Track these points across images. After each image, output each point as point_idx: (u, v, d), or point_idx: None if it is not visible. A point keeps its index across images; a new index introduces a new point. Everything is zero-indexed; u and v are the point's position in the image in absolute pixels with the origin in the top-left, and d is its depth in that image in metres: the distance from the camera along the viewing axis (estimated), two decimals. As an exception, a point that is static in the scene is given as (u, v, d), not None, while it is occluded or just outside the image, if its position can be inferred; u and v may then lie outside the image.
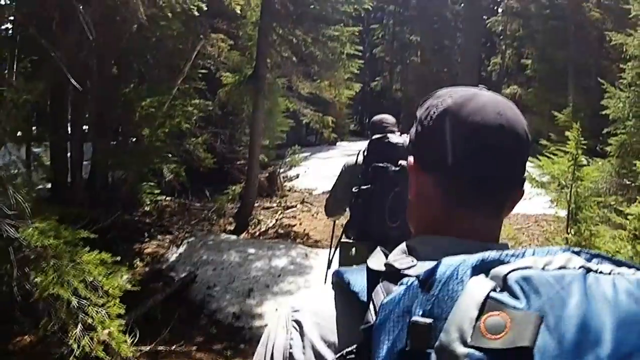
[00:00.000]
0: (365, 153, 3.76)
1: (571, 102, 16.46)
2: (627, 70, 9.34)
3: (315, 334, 0.89)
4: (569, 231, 6.60)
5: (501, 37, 26.32)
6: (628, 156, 8.40)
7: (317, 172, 14.51)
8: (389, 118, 4.04)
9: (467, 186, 0.95)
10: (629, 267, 0.72)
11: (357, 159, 3.87)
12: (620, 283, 0.68)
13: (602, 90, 9.55)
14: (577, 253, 0.73)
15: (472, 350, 0.62)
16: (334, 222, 4.65)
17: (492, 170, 0.94)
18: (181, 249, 8.20)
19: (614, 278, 0.68)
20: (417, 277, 0.74)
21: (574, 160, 6.50)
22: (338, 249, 3.96)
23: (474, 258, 0.72)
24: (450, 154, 0.93)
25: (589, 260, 0.72)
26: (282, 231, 9.67)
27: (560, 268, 0.69)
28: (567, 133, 6.78)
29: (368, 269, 0.84)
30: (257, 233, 9.52)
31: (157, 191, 8.42)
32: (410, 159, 1.03)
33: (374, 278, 0.82)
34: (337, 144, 18.94)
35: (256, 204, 11.07)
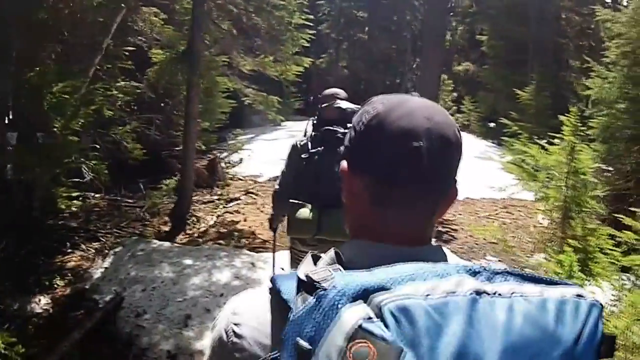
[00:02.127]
0: (315, 121, 3.72)
1: (534, 80, 15.75)
2: (612, 48, 8.55)
3: (252, 338, 0.93)
4: (565, 231, 5.72)
5: (451, 13, 25.38)
6: (615, 141, 7.57)
7: (262, 155, 13.14)
8: (340, 92, 3.93)
9: (395, 189, 0.97)
10: (538, 282, 0.78)
11: (305, 131, 3.78)
12: (518, 306, 0.73)
13: (564, 68, 8.78)
14: (475, 273, 0.77)
15: None
16: (275, 228, 4.30)
17: (419, 173, 0.95)
18: (107, 262, 6.81)
19: (511, 301, 0.73)
20: (317, 297, 0.75)
21: (571, 149, 5.55)
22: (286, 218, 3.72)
23: (357, 283, 0.73)
24: (378, 157, 0.98)
25: (489, 279, 0.77)
26: (224, 230, 8.30)
27: (448, 294, 0.72)
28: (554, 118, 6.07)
29: (297, 276, 0.83)
30: (196, 234, 8.19)
31: (76, 194, 6.95)
32: (343, 163, 1.04)
33: (298, 287, 0.82)
34: (283, 124, 17.70)
35: (195, 198, 9.69)
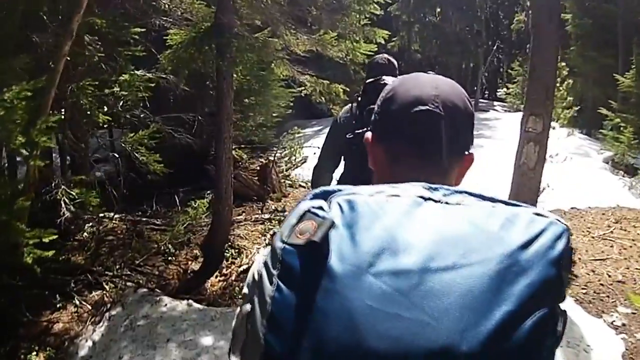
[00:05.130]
0: (359, 97, 3.45)
1: (634, 63, 12.92)
2: None
3: None
4: None
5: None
6: None
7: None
8: (384, 58, 3.68)
9: (408, 149, 1.06)
10: (495, 202, 0.79)
11: (351, 107, 3.51)
12: (461, 211, 0.77)
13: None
14: (433, 189, 0.81)
15: (285, 246, 0.76)
16: None
17: (429, 133, 1.03)
18: (99, 332, 4.62)
19: (458, 208, 0.78)
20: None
21: None
22: None
23: (322, 189, 0.84)
24: (393, 122, 1.08)
25: (447, 195, 0.80)
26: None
27: (393, 195, 0.80)
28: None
29: None
30: (235, 275, 5.92)
31: (52, 237, 4.56)
32: (368, 133, 1.15)
33: None
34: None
35: (239, 217, 7.41)
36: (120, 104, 5.60)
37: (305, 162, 11.00)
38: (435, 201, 0.78)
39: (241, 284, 5.66)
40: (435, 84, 1.07)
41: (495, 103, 26.30)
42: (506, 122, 15.98)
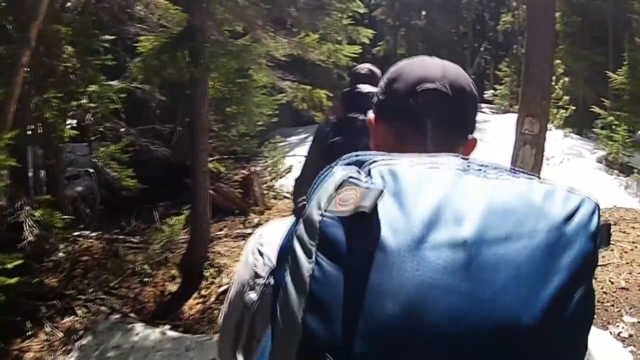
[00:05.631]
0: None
1: (626, 60, 12.77)
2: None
3: (273, 254, 0.95)
4: None
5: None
6: None
7: (318, 161, 10.29)
8: (365, 68, 3.55)
9: (413, 127, 1.02)
10: (529, 176, 0.75)
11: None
12: (503, 184, 0.72)
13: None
14: (468, 163, 0.76)
15: (325, 215, 0.69)
16: None
17: (435, 111, 1.01)
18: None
19: (498, 180, 0.73)
20: None
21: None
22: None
23: (352, 155, 0.79)
24: (398, 101, 1.05)
25: (480, 167, 0.75)
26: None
27: (432, 165, 0.75)
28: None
29: None
30: (214, 295, 5.54)
31: (16, 262, 4.10)
32: (370, 114, 1.12)
33: None
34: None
35: (220, 232, 7.04)
36: (89, 116, 5.18)
37: (290, 171, 10.63)
38: (475, 174, 0.74)
39: (220, 307, 5.30)
40: (441, 65, 1.06)
41: (483, 105, 26.14)
42: (495, 123, 15.68)
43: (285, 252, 0.77)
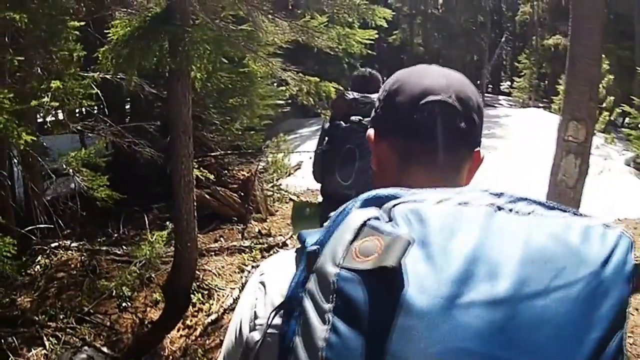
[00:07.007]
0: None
1: (637, 55, 11.99)
2: None
3: (275, 291, 0.83)
4: None
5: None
6: None
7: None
8: (366, 71, 3.49)
9: (418, 143, 0.92)
10: (564, 212, 0.67)
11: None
12: (538, 223, 0.63)
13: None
14: (498, 195, 0.68)
15: (342, 271, 0.60)
16: None
17: (442, 125, 0.91)
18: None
19: (532, 218, 0.64)
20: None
21: None
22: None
23: (371, 194, 0.70)
24: (401, 115, 0.93)
25: (511, 202, 0.67)
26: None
27: (462, 203, 0.65)
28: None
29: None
30: (201, 327, 4.64)
31: None
32: (370, 131, 1.01)
33: None
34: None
35: (213, 245, 6.15)
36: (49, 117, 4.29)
37: (299, 168, 9.71)
38: (508, 210, 0.64)
39: (207, 342, 4.42)
40: (444, 74, 0.96)
41: (500, 97, 25.34)
42: (517, 119, 14.78)
43: (293, 304, 0.66)
